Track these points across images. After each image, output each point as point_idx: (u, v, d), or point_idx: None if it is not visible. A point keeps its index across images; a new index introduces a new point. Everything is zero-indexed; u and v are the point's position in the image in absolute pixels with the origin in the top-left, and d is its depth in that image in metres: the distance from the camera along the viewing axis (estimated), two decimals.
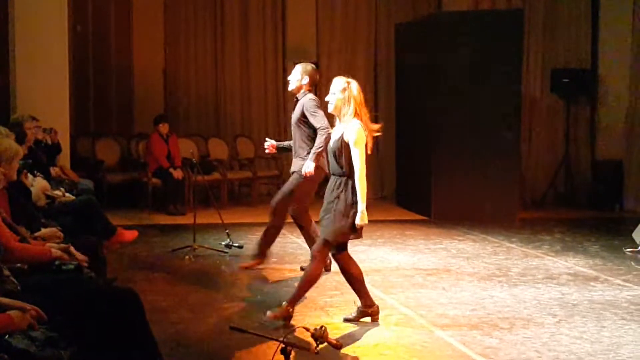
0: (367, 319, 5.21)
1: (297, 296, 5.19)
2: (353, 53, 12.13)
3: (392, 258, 7.46)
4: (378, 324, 5.17)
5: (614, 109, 11.64)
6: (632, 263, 7.37)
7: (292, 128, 6.57)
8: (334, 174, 5.10)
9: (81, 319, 3.30)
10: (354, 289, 5.27)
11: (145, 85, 11.56)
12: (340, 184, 5.02)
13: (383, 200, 11.83)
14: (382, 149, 12.20)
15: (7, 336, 2.93)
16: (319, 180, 6.47)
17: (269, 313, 5.12)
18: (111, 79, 11.47)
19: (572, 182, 11.65)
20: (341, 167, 5.00)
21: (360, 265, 5.36)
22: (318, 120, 6.28)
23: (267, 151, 6.77)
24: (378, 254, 7.62)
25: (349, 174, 4.97)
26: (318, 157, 6.31)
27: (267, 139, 6.85)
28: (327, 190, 5.14)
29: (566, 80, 11.48)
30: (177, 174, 10.05)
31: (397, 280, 6.52)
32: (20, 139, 6.19)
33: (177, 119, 11.38)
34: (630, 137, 11.38)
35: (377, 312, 5.23)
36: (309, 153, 6.37)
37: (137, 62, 11.53)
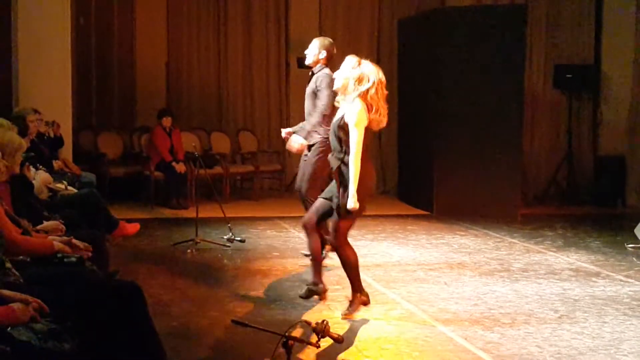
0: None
1: (357, 283, 5.17)
2: (356, 48, 11.98)
3: (393, 253, 7.46)
4: (380, 318, 5.16)
5: (616, 105, 11.63)
6: (634, 259, 7.37)
7: (306, 102, 6.59)
8: (334, 151, 5.09)
9: (83, 311, 3.30)
10: (312, 262, 5.34)
11: (148, 78, 11.55)
12: (340, 163, 4.98)
13: (385, 195, 11.83)
14: (384, 143, 12.20)
15: (9, 328, 2.94)
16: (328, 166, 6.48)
17: (345, 312, 5.13)
18: (114, 72, 11.47)
19: (574, 178, 11.64)
20: (342, 147, 4.98)
21: (362, 260, 5.37)
22: (323, 98, 6.33)
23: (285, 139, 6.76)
24: (380, 249, 7.62)
25: (348, 152, 4.94)
26: (308, 135, 6.37)
27: (282, 129, 6.85)
28: (328, 169, 5.17)
29: (569, 75, 11.47)
30: (180, 167, 10.05)
31: (398, 275, 6.52)
32: (23, 132, 6.20)
33: (179, 113, 11.36)
34: (632, 133, 11.37)
35: (324, 292, 5.32)
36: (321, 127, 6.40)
37: (139, 55, 11.52)
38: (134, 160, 10.76)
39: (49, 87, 8.78)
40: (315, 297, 5.36)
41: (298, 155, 6.84)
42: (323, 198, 5.21)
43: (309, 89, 6.55)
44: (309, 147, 6.51)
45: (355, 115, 4.87)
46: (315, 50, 6.56)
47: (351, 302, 5.19)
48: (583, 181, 11.66)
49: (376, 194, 11.82)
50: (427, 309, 5.43)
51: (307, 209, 6.63)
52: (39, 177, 5.95)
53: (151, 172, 10.12)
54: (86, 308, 3.33)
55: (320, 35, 12.07)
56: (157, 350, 3.53)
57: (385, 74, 5.09)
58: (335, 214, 5.04)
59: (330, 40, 6.69)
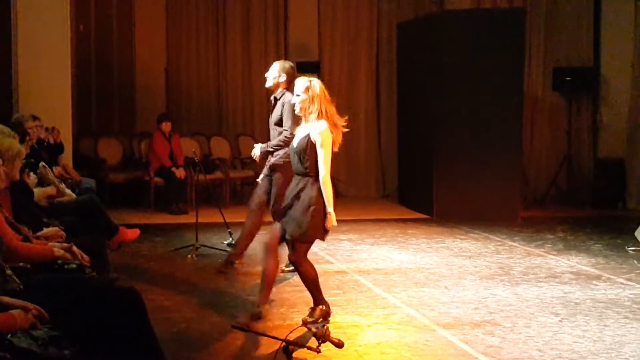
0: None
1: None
2: (355, 52, 12.13)
3: (394, 257, 7.45)
4: (380, 323, 5.15)
5: (616, 107, 11.64)
6: (635, 262, 7.36)
7: (271, 131, 6.50)
8: (297, 174, 5.02)
9: (83, 318, 3.30)
10: (308, 289, 5.14)
11: (148, 84, 11.58)
12: (302, 183, 4.93)
13: (385, 199, 11.84)
14: (384, 147, 12.21)
15: (9, 335, 2.94)
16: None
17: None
18: (113, 78, 11.49)
19: (574, 181, 11.65)
20: (305, 168, 4.92)
21: (362, 264, 5.37)
22: (288, 123, 6.22)
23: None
24: (380, 253, 7.62)
25: (314, 174, 4.89)
26: (267, 154, 6.34)
27: (254, 145, 6.71)
28: (288, 190, 5.07)
29: (568, 78, 11.49)
30: (180, 173, 10.06)
31: (399, 279, 6.52)
32: (22, 138, 6.19)
33: (179, 118, 11.38)
34: (632, 135, 11.37)
35: (328, 311, 5.12)
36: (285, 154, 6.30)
37: (139, 61, 11.55)
38: (134, 166, 10.77)
39: (49, 94, 8.79)
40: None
41: None
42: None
43: (274, 117, 6.43)
44: (272, 167, 6.41)
45: (321, 135, 4.84)
46: (275, 74, 6.42)
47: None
48: (583, 184, 11.67)
49: (376, 198, 11.94)
50: (427, 313, 5.43)
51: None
52: (41, 191, 5.95)
53: (151, 177, 10.13)
54: (86, 314, 3.32)
55: (319, 40, 12.17)
56: (158, 356, 3.53)
57: (384, 77, 5.10)
58: (295, 233, 4.92)
59: (291, 64, 6.57)
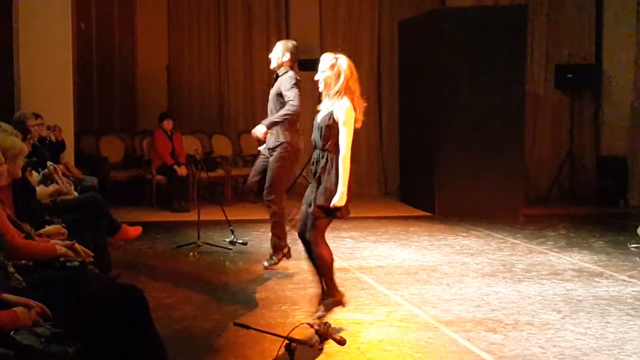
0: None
1: (331, 285, 5.07)
2: (356, 50, 12.11)
3: (396, 254, 7.46)
4: (383, 320, 5.15)
5: (618, 105, 11.62)
6: (637, 259, 7.36)
7: (269, 104, 6.54)
8: (315, 147, 4.99)
9: (86, 315, 3.30)
10: (318, 273, 5.12)
11: (149, 82, 11.58)
12: (326, 158, 4.89)
13: (387, 197, 11.83)
14: (386, 145, 12.21)
15: (12, 333, 2.94)
16: (296, 160, 6.44)
17: (319, 314, 5.05)
18: (115, 76, 11.50)
19: (576, 178, 11.64)
20: (326, 144, 4.89)
21: (364, 262, 5.36)
22: (291, 95, 6.27)
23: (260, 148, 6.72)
24: (382, 250, 7.62)
25: (335, 151, 4.87)
26: (273, 125, 6.32)
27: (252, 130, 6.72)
28: (311, 164, 5.01)
29: (570, 76, 11.47)
30: (181, 170, 10.06)
31: (401, 276, 6.52)
32: (24, 136, 6.19)
33: (180, 116, 11.38)
34: (634, 133, 11.35)
35: (342, 300, 5.10)
36: (285, 130, 6.34)
37: (140, 59, 11.55)
38: (136, 164, 10.78)
39: (50, 92, 8.80)
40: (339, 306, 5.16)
41: (301, 157, 6.78)
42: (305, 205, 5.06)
43: (273, 91, 6.49)
44: (271, 149, 6.46)
45: (344, 112, 4.82)
46: (279, 54, 6.50)
47: (325, 306, 5.07)
48: (585, 181, 11.65)
49: (378, 195, 11.94)
50: (429, 311, 5.43)
51: (270, 210, 6.60)
52: (44, 190, 5.95)
53: (153, 175, 10.14)
54: (89, 312, 3.33)
55: (321, 37, 12.16)
56: (160, 353, 3.53)
57: (386, 75, 5.09)
58: (312, 212, 4.91)
59: (294, 42, 6.63)
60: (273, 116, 6.39)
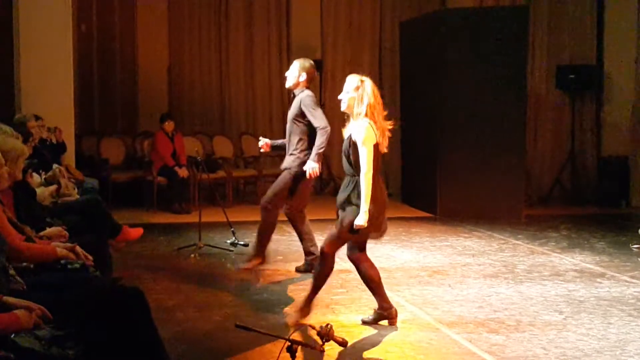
0: (385, 322, 5.09)
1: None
2: (358, 50, 12.12)
3: (397, 255, 7.45)
4: (389, 325, 5.12)
5: (619, 105, 11.61)
6: (639, 259, 7.35)
7: (288, 124, 6.49)
8: (346, 174, 5.00)
9: (87, 318, 3.29)
10: (370, 289, 5.16)
11: (150, 83, 11.57)
12: (349, 183, 4.92)
13: (388, 198, 11.80)
14: (388, 146, 12.18)
15: (13, 335, 2.93)
16: (313, 179, 6.43)
17: (290, 320, 5.07)
18: (116, 78, 11.49)
19: (578, 179, 11.63)
20: (351, 167, 4.90)
21: None
22: (318, 119, 6.24)
23: (261, 150, 6.73)
24: (384, 252, 7.60)
25: (358, 173, 4.85)
26: (320, 157, 6.29)
27: (260, 137, 6.77)
28: (340, 191, 5.04)
29: (572, 76, 11.45)
30: (182, 172, 10.05)
31: (402, 277, 6.51)
32: (24, 138, 6.19)
33: (182, 117, 11.38)
34: (636, 133, 11.35)
35: (395, 316, 5.09)
36: (303, 150, 6.34)
37: (141, 60, 11.54)
38: (137, 165, 10.77)
39: (51, 93, 8.79)
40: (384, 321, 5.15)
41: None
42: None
43: (291, 113, 6.43)
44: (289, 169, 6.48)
45: (362, 133, 4.80)
46: (295, 73, 6.41)
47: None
48: (587, 182, 11.64)
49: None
50: (431, 312, 5.42)
51: (299, 234, 6.64)
52: (45, 191, 5.95)
53: (154, 176, 10.13)
54: (89, 314, 3.32)
55: (322, 38, 12.16)
56: (161, 355, 3.52)
57: (387, 76, 5.10)
58: (339, 224, 4.95)
59: (311, 62, 6.53)
60: (316, 148, 6.25)
